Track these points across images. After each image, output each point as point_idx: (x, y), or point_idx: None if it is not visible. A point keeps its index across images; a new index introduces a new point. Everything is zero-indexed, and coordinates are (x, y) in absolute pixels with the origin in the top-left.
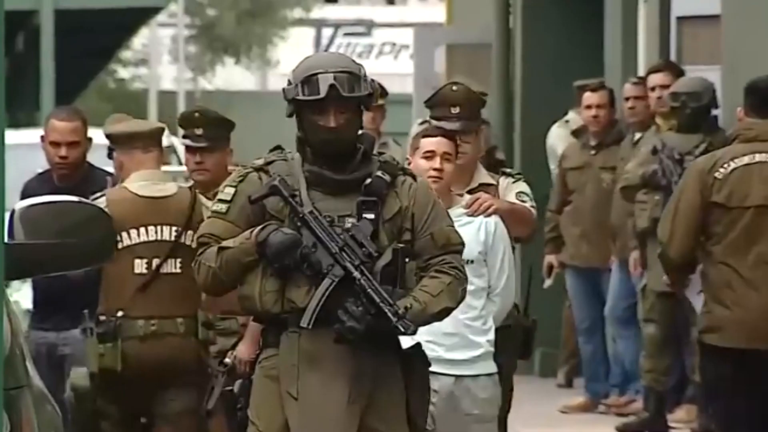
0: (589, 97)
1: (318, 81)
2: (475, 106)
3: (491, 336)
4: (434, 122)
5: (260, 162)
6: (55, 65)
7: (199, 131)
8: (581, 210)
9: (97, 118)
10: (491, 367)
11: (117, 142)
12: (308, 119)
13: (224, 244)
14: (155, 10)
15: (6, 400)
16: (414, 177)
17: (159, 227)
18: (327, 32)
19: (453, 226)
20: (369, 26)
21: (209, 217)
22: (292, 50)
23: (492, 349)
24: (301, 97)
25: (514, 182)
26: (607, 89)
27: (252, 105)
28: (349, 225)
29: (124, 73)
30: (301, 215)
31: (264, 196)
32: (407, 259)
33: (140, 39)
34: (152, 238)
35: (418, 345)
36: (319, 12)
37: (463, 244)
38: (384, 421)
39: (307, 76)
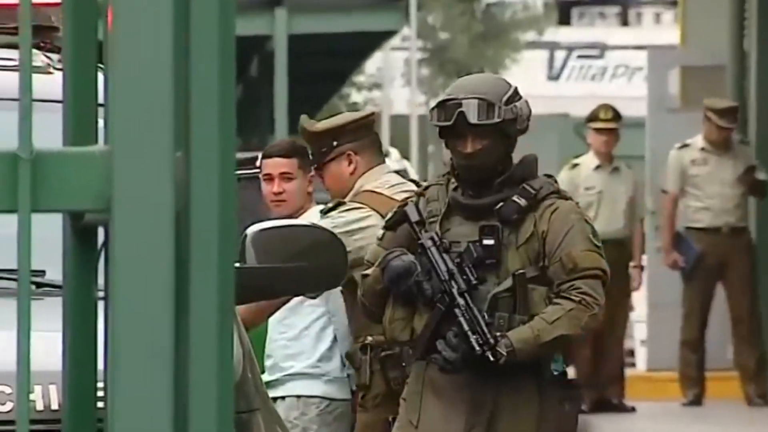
0: None
1: (449, 107)
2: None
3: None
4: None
5: (423, 187)
6: (288, 89)
7: None
8: None
9: None
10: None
11: None
12: (450, 144)
13: (367, 271)
14: (389, 34)
15: (237, 423)
16: (564, 198)
17: None
18: (560, 55)
19: (592, 251)
20: (602, 49)
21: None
22: (524, 73)
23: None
24: (434, 122)
25: (322, 218)
26: None
27: None
28: (462, 250)
29: (357, 96)
30: (420, 242)
31: (397, 222)
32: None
33: (374, 63)
34: None
35: (561, 374)
36: (553, 35)
37: (600, 269)
38: None
39: (440, 101)
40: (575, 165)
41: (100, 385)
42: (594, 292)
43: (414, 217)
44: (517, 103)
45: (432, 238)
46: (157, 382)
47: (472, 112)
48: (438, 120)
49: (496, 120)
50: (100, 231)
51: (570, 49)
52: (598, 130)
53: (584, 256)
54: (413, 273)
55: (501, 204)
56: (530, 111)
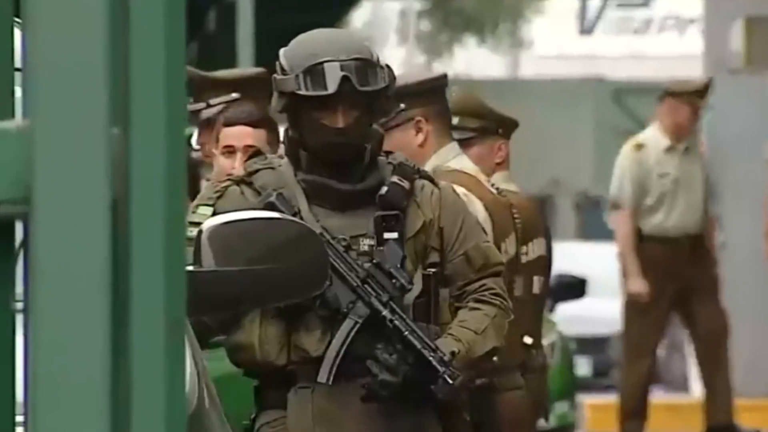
0: None
1: (325, 71)
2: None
3: None
4: None
5: (241, 172)
6: (254, 49)
7: None
8: None
9: None
10: None
11: None
12: (308, 117)
13: None
14: None
15: None
16: (434, 181)
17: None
18: (594, 3)
19: (489, 242)
20: None
21: None
22: (550, 27)
23: None
24: (303, 91)
25: None
26: None
27: (500, 96)
28: (366, 248)
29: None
30: None
31: None
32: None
33: (361, 15)
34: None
35: (454, 389)
36: None
37: (503, 264)
38: None
39: (311, 64)
40: (640, 145)
41: (20, 419)
42: (504, 292)
43: (288, 209)
44: (386, 65)
45: (322, 235)
46: (90, 416)
47: (356, 77)
48: (308, 89)
49: (382, 85)
50: (18, 226)
51: None
52: (689, 100)
53: (489, 249)
54: None
55: (386, 188)
56: None
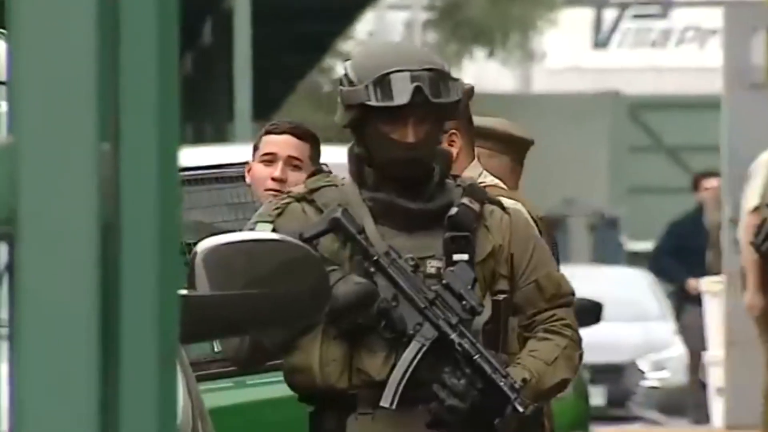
0: None
1: (395, 82)
2: None
3: None
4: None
5: (302, 189)
6: (253, 61)
7: None
8: None
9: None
10: None
11: None
12: (376, 131)
13: None
14: None
15: None
16: (502, 206)
17: None
18: (610, 14)
19: (560, 271)
20: (666, 6)
21: None
22: (563, 39)
23: None
24: (374, 102)
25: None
26: None
27: (511, 111)
28: (433, 270)
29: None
30: (375, 258)
31: (322, 233)
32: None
33: (364, 25)
34: None
35: (525, 419)
36: None
37: (574, 294)
38: None
39: (381, 74)
40: None
41: None
42: (575, 324)
43: (353, 226)
44: (459, 78)
45: (388, 254)
46: None
47: (429, 88)
48: (378, 99)
49: (455, 98)
50: (2, 249)
51: (623, 6)
52: None
53: (561, 278)
54: (376, 298)
55: (456, 210)
56: None
